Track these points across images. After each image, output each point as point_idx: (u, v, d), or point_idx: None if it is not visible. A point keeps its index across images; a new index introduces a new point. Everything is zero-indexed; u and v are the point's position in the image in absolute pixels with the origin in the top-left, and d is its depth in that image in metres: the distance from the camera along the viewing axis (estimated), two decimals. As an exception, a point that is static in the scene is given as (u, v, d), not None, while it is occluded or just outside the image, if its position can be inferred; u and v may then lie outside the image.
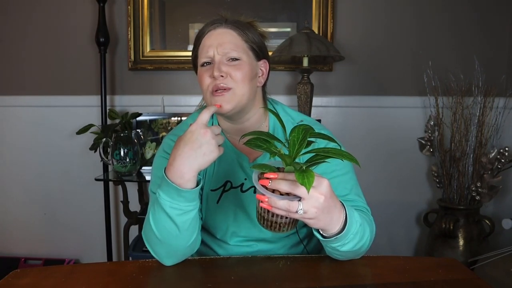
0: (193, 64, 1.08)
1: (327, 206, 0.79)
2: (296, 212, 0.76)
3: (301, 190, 0.75)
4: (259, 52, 1.05)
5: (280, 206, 0.75)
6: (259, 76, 1.06)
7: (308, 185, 0.69)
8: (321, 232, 0.86)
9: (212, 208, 1.06)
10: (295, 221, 0.81)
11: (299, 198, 0.76)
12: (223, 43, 1.00)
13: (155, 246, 0.93)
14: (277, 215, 0.78)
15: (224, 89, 0.97)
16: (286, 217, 0.79)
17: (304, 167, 0.73)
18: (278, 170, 0.78)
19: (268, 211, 0.78)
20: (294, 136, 0.77)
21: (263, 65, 1.07)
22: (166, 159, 1.01)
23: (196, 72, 1.09)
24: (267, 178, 0.76)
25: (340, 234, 0.85)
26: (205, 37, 1.02)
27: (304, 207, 0.76)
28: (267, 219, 0.79)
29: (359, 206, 1.00)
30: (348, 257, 0.95)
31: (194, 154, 0.84)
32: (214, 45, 1.00)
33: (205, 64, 1.01)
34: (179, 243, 0.91)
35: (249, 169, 1.05)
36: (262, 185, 0.76)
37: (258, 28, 1.08)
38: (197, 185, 0.87)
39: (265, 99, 1.11)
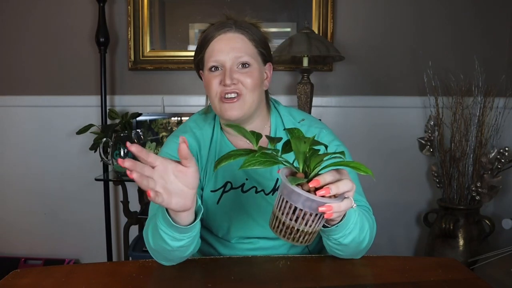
0: (196, 65, 1.07)
1: None
2: (353, 205, 0.74)
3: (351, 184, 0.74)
4: (266, 55, 1.05)
5: (345, 207, 0.72)
6: (264, 80, 1.05)
7: (369, 170, 0.71)
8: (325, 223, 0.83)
9: (213, 209, 1.05)
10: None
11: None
12: (234, 49, 0.97)
13: (152, 250, 0.93)
14: (310, 225, 0.71)
15: (234, 97, 0.97)
16: (315, 225, 0.72)
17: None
18: (306, 175, 0.73)
19: (302, 222, 0.70)
20: (302, 148, 0.71)
21: (268, 68, 1.07)
22: None
23: (198, 73, 1.08)
24: (317, 187, 0.70)
25: (341, 222, 0.82)
26: (214, 40, 0.99)
27: (353, 197, 0.75)
28: (303, 231, 0.71)
29: (361, 204, 1.00)
30: (350, 253, 0.94)
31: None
32: (225, 50, 0.98)
33: (213, 69, 0.99)
34: (172, 257, 0.91)
35: (250, 169, 1.03)
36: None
37: (262, 30, 1.06)
38: (194, 220, 0.82)
39: (268, 101, 1.11)
